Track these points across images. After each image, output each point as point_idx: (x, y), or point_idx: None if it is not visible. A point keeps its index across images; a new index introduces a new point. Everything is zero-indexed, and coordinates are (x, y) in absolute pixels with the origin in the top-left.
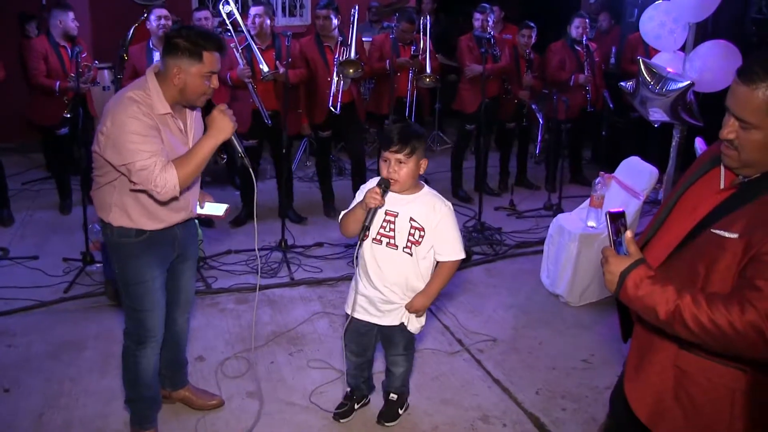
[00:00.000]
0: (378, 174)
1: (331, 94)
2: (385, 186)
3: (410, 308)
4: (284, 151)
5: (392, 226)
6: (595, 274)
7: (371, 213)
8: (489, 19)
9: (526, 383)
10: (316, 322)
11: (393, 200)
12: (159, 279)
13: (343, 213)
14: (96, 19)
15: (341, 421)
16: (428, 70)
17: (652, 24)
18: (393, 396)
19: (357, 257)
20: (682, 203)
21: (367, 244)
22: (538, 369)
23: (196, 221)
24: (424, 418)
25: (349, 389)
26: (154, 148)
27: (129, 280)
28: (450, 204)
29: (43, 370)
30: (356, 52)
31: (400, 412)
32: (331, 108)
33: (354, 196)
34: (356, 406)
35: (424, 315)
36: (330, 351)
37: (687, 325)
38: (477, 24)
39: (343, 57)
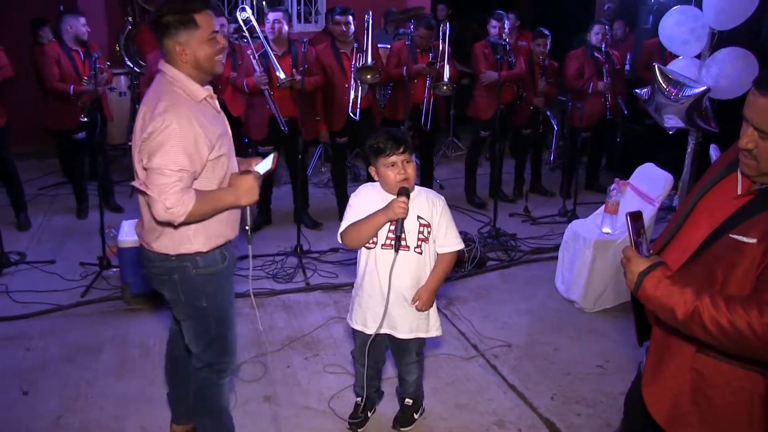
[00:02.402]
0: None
1: (350, 101)
2: (407, 194)
3: (421, 306)
4: (300, 156)
5: (400, 243)
6: (610, 281)
7: (401, 223)
8: (505, 26)
9: (541, 389)
10: (332, 326)
11: None
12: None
13: (346, 224)
14: (112, 25)
15: (358, 431)
16: (445, 77)
17: (681, 29)
18: (408, 401)
19: (392, 266)
20: (699, 209)
21: (376, 252)
22: (553, 374)
23: None
24: (439, 422)
25: (359, 399)
26: (187, 164)
27: (221, 311)
28: (442, 197)
29: (60, 374)
30: (372, 58)
31: (416, 416)
32: (351, 114)
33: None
34: (369, 414)
35: (438, 320)
36: (346, 356)
37: (705, 326)
38: (494, 31)
39: (359, 63)
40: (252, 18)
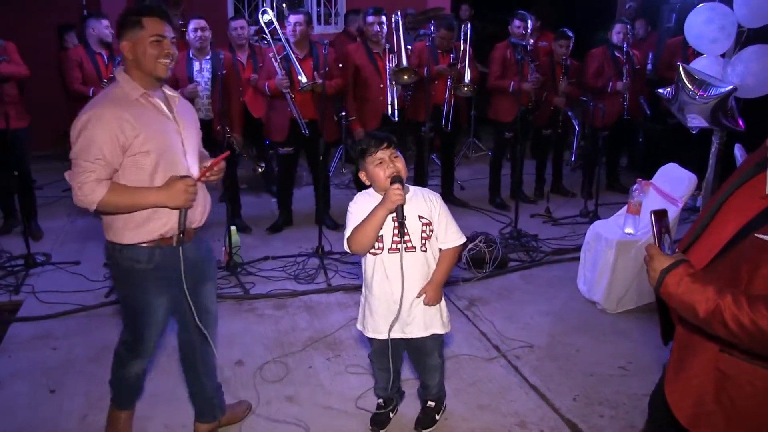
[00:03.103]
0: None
1: (389, 102)
2: (400, 181)
3: (428, 300)
4: (321, 158)
5: (404, 230)
6: (632, 281)
7: (401, 210)
8: (528, 26)
9: (564, 390)
10: (354, 327)
11: None
12: (163, 307)
13: (350, 230)
14: None
15: (380, 431)
16: (466, 79)
17: (710, 26)
18: (431, 404)
19: (401, 268)
20: (726, 208)
21: (383, 258)
22: (575, 376)
23: (231, 231)
24: (461, 423)
25: (380, 400)
26: (100, 156)
27: (137, 306)
28: (437, 194)
29: (85, 373)
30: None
31: (437, 417)
32: (389, 116)
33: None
34: (391, 415)
35: (446, 311)
36: (367, 356)
37: (727, 324)
38: (519, 32)
39: (392, 63)
40: (274, 20)
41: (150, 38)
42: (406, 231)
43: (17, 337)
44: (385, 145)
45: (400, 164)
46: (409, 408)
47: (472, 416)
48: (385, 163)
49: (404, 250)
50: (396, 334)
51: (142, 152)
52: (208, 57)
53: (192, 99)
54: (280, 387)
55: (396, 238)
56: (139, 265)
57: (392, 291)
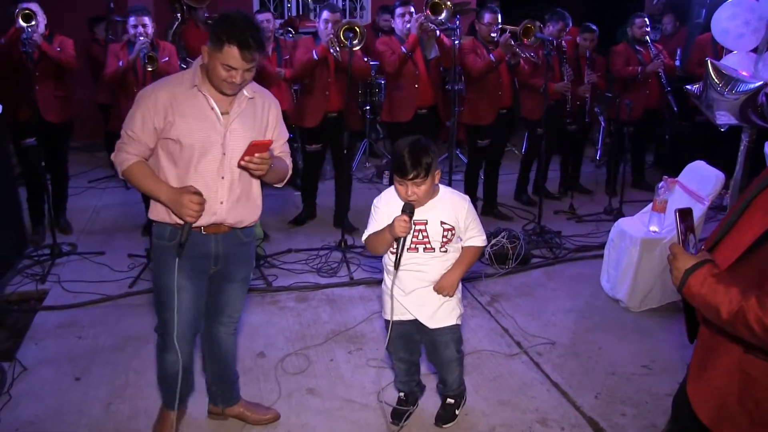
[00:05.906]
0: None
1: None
2: (410, 211)
3: (439, 290)
4: (345, 151)
5: (425, 233)
6: (656, 280)
7: (402, 242)
8: (567, 25)
9: (585, 387)
10: (375, 321)
11: (418, 210)
12: (188, 290)
13: (367, 233)
14: (159, 21)
15: (400, 425)
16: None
17: (735, 22)
18: (450, 401)
19: (393, 278)
20: (754, 207)
21: (404, 255)
22: (597, 373)
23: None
24: (481, 419)
25: (401, 394)
26: (135, 132)
27: (158, 284)
28: (467, 197)
29: (110, 362)
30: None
31: (457, 413)
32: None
33: None
34: (411, 409)
35: (459, 304)
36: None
37: (750, 326)
38: (547, 29)
39: (430, 55)
40: None
41: (222, 63)
42: (402, 253)
43: (44, 325)
44: (411, 176)
45: (421, 192)
46: (430, 402)
47: (493, 412)
48: (406, 187)
49: (423, 251)
50: (407, 316)
51: (171, 139)
52: (272, 48)
53: None
54: (301, 379)
55: (414, 239)
56: (162, 242)
57: (409, 285)
